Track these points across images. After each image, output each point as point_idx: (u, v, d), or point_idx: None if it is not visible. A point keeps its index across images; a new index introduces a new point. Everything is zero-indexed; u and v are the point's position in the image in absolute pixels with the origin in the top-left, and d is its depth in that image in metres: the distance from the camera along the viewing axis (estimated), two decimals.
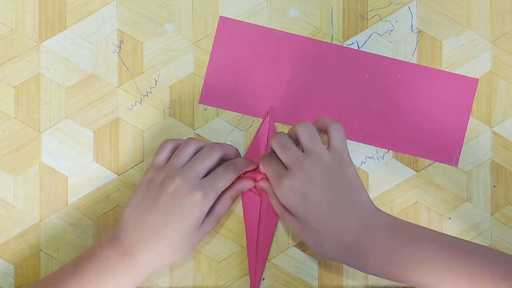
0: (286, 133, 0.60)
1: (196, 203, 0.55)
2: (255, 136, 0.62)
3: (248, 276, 0.62)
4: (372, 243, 0.53)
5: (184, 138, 0.61)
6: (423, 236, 0.53)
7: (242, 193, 0.61)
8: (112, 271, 0.54)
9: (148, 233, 0.54)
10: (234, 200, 0.60)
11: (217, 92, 0.63)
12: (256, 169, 0.61)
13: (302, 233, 0.56)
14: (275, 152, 0.58)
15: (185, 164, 0.56)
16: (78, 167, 0.63)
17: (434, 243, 0.52)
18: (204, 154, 0.57)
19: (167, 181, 0.55)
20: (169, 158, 0.57)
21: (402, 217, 0.63)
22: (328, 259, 0.57)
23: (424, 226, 0.63)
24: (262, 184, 0.60)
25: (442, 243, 0.52)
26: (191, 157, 0.57)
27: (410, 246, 0.52)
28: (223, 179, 0.57)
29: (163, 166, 0.57)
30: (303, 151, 0.56)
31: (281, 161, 0.57)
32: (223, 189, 0.57)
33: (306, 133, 0.56)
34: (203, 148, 0.58)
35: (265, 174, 0.60)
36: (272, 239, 0.62)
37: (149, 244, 0.54)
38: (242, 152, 0.63)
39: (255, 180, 0.61)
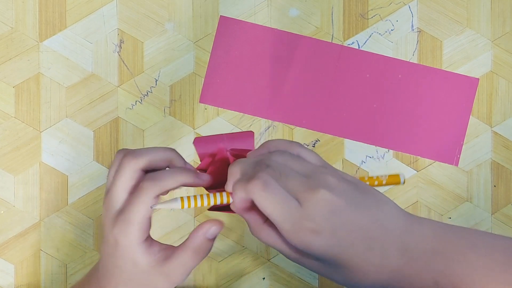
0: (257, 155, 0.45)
1: (115, 242, 0.44)
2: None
3: (248, 276, 0.62)
4: (415, 264, 0.43)
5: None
6: (472, 248, 0.43)
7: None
8: None
9: (105, 279, 0.47)
10: (199, 254, 0.45)
11: (217, 91, 0.63)
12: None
13: (331, 274, 0.44)
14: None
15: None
16: (78, 166, 0.63)
17: (485, 256, 0.43)
18: (109, 176, 0.45)
19: None
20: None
21: None
22: None
23: None
24: (261, 232, 0.44)
25: (495, 255, 0.43)
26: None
27: (459, 266, 0.42)
28: (135, 206, 0.43)
29: None
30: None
31: (284, 190, 0.42)
32: (145, 216, 0.43)
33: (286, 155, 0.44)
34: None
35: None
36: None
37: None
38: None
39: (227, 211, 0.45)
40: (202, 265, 0.63)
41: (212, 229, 0.45)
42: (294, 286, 0.63)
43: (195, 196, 0.43)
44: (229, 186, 0.43)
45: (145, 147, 0.62)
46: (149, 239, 0.45)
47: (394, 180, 0.47)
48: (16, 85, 0.63)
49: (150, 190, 0.43)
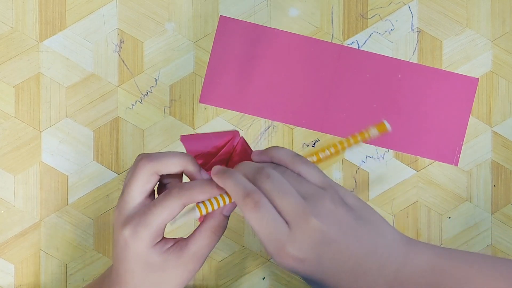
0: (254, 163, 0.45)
1: (125, 244, 0.43)
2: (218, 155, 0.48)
3: (248, 276, 0.62)
4: None
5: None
6: (470, 281, 0.42)
7: None
8: None
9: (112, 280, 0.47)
10: (218, 233, 0.45)
11: (217, 91, 0.63)
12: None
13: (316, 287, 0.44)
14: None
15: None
16: (78, 166, 0.63)
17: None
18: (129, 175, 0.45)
19: None
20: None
21: (402, 217, 0.63)
22: None
23: (424, 226, 0.63)
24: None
25: (494, 286, 0.42)
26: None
27: None
28: (158, 210, 0.42)
29: None
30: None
31: (273, 208, 0.42)
32: (164, 222, 0.43)
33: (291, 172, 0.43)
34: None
35: None
36: None
37: None
38: None
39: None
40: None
41: (228, 206, 0.44)
42: (294, 286, 0.63)
43: (210, 200, 0.43)
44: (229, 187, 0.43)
45: (145, 146, 0.62)
46: (162, 240, 0.44)
47: (381, 129, 0.45)
48: (16, 85, 0.63)
49: (178, 198, 0.43)
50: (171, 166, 0.44)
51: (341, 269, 0.41)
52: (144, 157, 0.44)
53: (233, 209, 0.45)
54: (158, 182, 0.45)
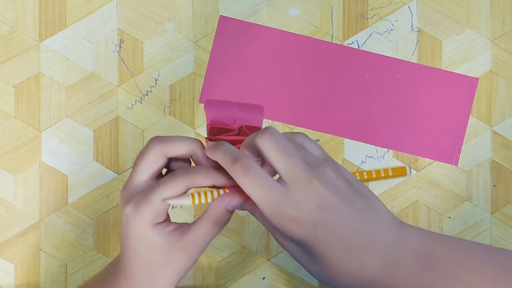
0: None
1: (126, 221, 0.44)
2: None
3: (248, 276, 0.62)
4: (398, 277, 0.41)
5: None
6: (461, 262, 0.41)
7: None
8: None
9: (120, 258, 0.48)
10: (219, 224, 0.44)
11: (217, 91, 0.63)
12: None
13: (309, 265, 0.43)
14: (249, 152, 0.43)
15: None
16: (78, 166, 0.63)
17: (475, 271, 0.41)
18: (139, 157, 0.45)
19: None
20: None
21: (402, 217, 0.63)
22: None
23: (424, 226, 0.63)
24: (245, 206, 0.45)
25: (486, 270, 0.41)
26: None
27: (449, 282, 0.41)
28: (161, 189, 0.43)
29: None
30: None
31: (268, 171, 0.43)
32: (164, 201, 0.43)
33: (287, 142, 0.43)
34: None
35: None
36: None
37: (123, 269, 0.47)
38: None
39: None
40: (202, 265, 0.63)
41: (234, 201, 0.44)
42: (294, 286, 0.63)
43: (205, 192, 0.43)
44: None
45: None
46: (165, 222, 0.44)
47: (400, 172, 0.45)
48: (16, 85, 0.63)
49: (182, 179, 0.43)
50: (180, 149, 0.44)
51: (335, 238, 0.41)
52: (154, 139, 0.44)
53: (237, 206, 0.44)
54: (165, 166, 0.46)
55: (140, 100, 0.63)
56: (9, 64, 0.63)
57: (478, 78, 0.64)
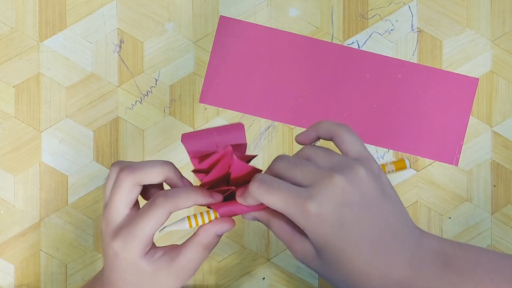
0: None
1: (115, 255, 0.43)
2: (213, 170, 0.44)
3: (248, 276, 0.62)
4: (423, 280, 0.41)
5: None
6: (479, 263, 0.42)
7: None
8: None
9: None
10: (208, 249, 0.45)
11: (217, 91, 0.63)
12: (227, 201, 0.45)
13: (332, 273, 0.42)
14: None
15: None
16: (78, 166, 0.63)
17: (493, 272, 0.42)
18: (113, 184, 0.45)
19: None
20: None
21: None
22: None
23: (425, 226, 0.63)
24: (258, 214, 0.45)
25: (503, 271, 0.42)
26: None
27: (468, 281, 0.41)
28: (145, 221, 0.42)
29: None
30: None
31: (283, 181, 0.42)
32: (152, 232, 0.43)
33: (317, 150, 0.44)
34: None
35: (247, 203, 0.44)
36: None
37: None
38: None
39: (232, 214, 0.45)
40: (202, 264, 0.63)
41: (224, 227, 0.44)
42: (294, 286, 0.63)
43: (201, 213, 0.43)
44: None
45: (145, 146, 0.62)
46: (152, 249, 0.45)
47: (400, 165, 0.46)
48: (16, 85, 0.63)
49: (163, 206, 0.42)
50: (153, 176, 0.44)
51: (363, 237, 0.40)
52: (124, 169, 0.43)
53: (226, 230, 0.44)
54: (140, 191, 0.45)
55: (140, 100, 0.63)
56: (9, 64, 0.63)
57: (478, 78, 0.64)
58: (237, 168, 0.43)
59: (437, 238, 0.44)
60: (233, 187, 0.44)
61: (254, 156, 0.45)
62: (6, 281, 0.62)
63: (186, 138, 0.44)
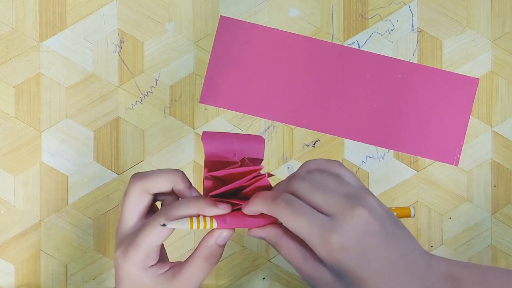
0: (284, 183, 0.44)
1: (117, 264, 0.44)
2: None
3: (248, 276, 0.62)
4: None
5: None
6: (486, 283, 0.43)
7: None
8: None
9: None
10: (210, 261, 0.45)
11: (217, 91, 0.63)
12: (234, 211, 0.45)
13: None
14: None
15: None
16: (79, 166, 0.63)
17: None
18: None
19: None
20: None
21: None
22: None
23: (425, 226, 0.63)
24: (266, 234, 0.44)
25: None
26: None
27: None
28: (146, 232, 0.43)
29: None
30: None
31: (311, 207, 0.42)
32: (152, 244, 0.43)
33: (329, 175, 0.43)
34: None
35: (262, 216, 0.44)
36: None
37: None
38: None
39: (246, 227, 0.45)
40: None
41: (223, 235, 0.44)
42: (294, 286, 0.63)
43: (204, 218, 0.43)
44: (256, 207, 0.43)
45: (145, 147, 0.62)
46: (159, 263, 0.44)
47: (404, 212, 0.46)
48: (16, 85, 0.63)
49: (164, 220, 0.43)
50: (160, 184, 0.44)
51: (382, 265, 0.41)
52: (133, 176, 0.44)
53: (227, 239, 0.44)
54: (152, 201, 0.45)
55: (140, 101, 0.63)
56: (10, 64, 0.63)
57: (478, 78, 0.64)
58: (261, 186, 0.43)
59: (444, 260, 0.44)
60: (242, 203, 0.43)
61: (272, 175, 0.44)
62: (6, 281, 0.62)
63: (206, 138, 0.43)
